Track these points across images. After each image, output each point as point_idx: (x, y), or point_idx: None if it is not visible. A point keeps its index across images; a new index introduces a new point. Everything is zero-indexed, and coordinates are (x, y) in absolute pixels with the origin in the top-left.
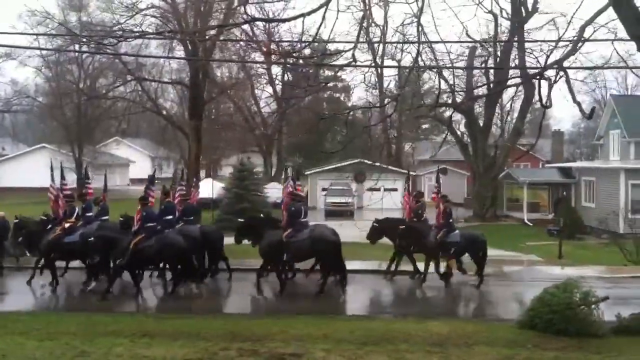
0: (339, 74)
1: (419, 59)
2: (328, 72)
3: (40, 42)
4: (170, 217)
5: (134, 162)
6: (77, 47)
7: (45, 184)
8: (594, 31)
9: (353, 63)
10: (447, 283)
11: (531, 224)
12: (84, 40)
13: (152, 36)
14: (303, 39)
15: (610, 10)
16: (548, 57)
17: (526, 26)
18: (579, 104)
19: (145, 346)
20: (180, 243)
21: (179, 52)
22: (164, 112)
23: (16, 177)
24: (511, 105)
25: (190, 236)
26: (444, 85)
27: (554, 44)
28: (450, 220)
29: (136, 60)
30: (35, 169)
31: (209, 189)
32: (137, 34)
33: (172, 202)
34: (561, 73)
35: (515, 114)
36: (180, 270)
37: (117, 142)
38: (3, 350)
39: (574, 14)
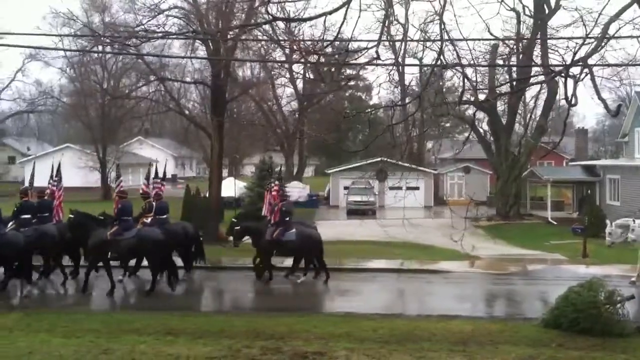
0: (361, 72)
1: (441, 57)
2: (350, 70)
3: (65, 43)
4: (28, 216)
5: (157, 162)
6: (100, 47)
7: (69, 184)
8: (619, 28)
9: (376, 60)
10: (259, 277)
11: (555, 223)
12: (108, 40)
13: (174, 36)
14: (324, 38)
15: (636, 6)
16: (575, 54)
17: (550, 22)
18: (604, 101)
19: (169, 344)
20: (19, 242)
21: (201, 52)
22: (187, 112)
23: (41, 177)
24: (535, 102)
25: (47, 234)
26: (466, 84)
27: (578, 40)
28: (287, 219)
29: (159, 61)
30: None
31: (231, 187)
32: (160, 34)
33: (30, 202)
34: (586, 70)
35: (539, 112)
36: (17, 268)
37: (140, 142)
38: (29, 347)
39: (602, 10)
